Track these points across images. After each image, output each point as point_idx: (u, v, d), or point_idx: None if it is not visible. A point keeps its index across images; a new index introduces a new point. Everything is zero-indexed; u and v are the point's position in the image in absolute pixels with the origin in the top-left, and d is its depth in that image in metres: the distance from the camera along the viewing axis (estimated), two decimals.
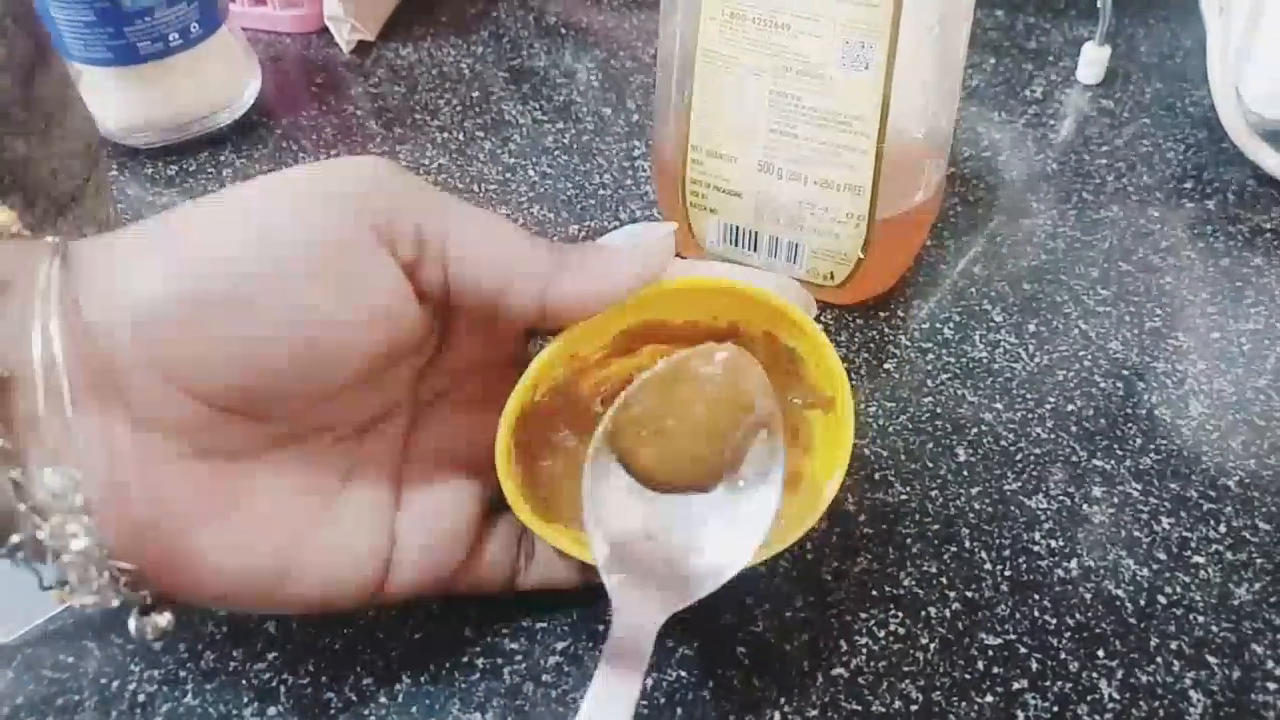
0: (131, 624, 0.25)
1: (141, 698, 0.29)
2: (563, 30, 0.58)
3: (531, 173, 0.48)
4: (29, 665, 0.30)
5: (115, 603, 0.23)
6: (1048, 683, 0.29)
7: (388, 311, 0.25)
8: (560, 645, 0.30)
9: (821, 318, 0.40)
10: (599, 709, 0.24)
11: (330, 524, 0.27)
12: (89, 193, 0.36)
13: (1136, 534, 0.33)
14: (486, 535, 0.29)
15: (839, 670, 0.29)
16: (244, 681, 0.29)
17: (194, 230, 0.24)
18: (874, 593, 0.31)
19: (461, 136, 0.50)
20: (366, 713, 0.29)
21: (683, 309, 0.29)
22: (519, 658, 0.30)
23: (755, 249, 0.40)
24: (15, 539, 0.22)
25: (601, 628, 0.30)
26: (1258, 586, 0.32)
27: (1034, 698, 0.29)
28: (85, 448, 0.22)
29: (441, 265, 0.25)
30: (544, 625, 0.31)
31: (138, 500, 0.23)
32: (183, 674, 0.30)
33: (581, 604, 0.31)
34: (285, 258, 0.24)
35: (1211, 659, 0.30)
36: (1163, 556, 0.32)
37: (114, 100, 0.48)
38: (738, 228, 0.39)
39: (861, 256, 0.38)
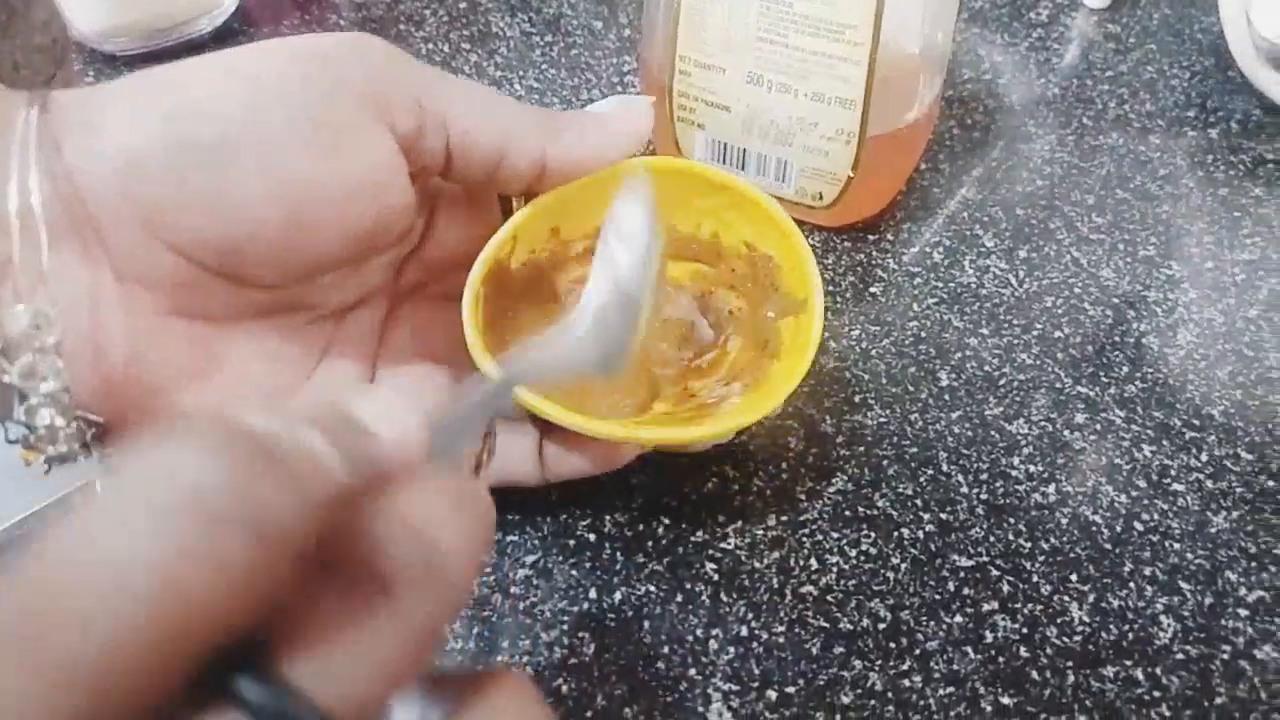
0: (97, 486, 0.24)
1: None
2: None
3: (518, 87, 0.47)
4: None
5: (81, 458, 0.23)
6: (1018, 605, 0.29)
7: (376, 187, 0.25)
8: (530, 559, 0.30)
9: (809, 240, 0.39)
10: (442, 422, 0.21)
11: (304, 395, 0.27)
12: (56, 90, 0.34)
13: (1117, 461, 0.33)
14: None
15: (808, 588, 0.29)
16: None
17: (181, 84, 0.23)
18: (847, 513, 0.31)
19: (447, 48, 0.49)
20: None
21: (668, 205, 0.29)
22: (488, 570, 0.30)
23: (743, 167, 0.39)
24: None
25: (572, 543, 0.30)
26: (1235, 515, 0.31)
27: (1003, 619, 0.29)
28: (62, 291, 0.22)
29: (444, 133, 0.25)
30: (514, 539, 0.30)
31: (116, 351, 0.23)
32: None
33: (553, 520, 0.31)
34: (276, 118, 0.23)
35: (1184, 585, 0.30)
36: (1142, 484, 0.32)
37: (89, 2, 0.46)
38: (725, 144, 0.38)
39: (851, 175, 0.37)
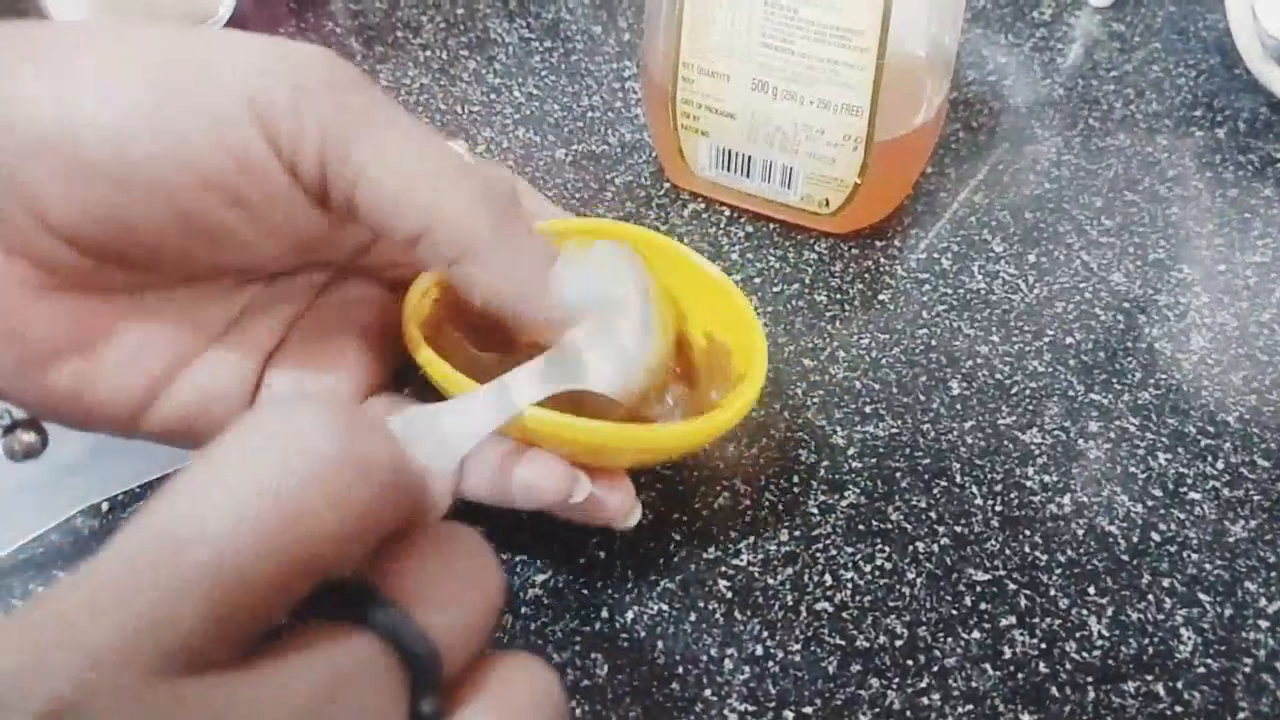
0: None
1: None
2: None
3: (517, 94, 0.46)
4: None
5: None
6: (1036, 619, 0.29)
7: (284, 224, 0.23)
8: (540, 579, 0.29)
9: (815, 247, 0.39)
10: (447, 426, 0.23)
11: (204, 364, 0.26)
12: None
13: (1132, 469, 0.32)
14: None
15: (823, 605, 0.29)
16: None
17: (88, 72, 0.22)
18: (860, 527, 0.31)
19: (445, 55, 0.48)
20: None
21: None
22: None
23: (749, 174, 0.38)
24: None
25: (583, 561, 0.30)
26: (1253, 524, 0.31)
27: (1021, 634, 0.28)
28: None
29: (347, 195, 0.23)
30: (523, 559, 0.30)
31: None
32: None
33: (562, 539, 0.30)
34: (175, 148, 0.22)
35: (1204, 596, 0.29)
36: (1158, 493, 0.32)
37: (82, 7, 0.46)
38: (730, 151, 0.38)
39: (858, 182, 0.36)
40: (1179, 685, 0.27)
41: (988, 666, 0.28)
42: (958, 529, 0.31)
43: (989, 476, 0.32)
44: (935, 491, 0.32)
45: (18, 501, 0.31)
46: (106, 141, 0.21)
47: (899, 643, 0.28)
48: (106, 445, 0.31)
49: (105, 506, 0.31)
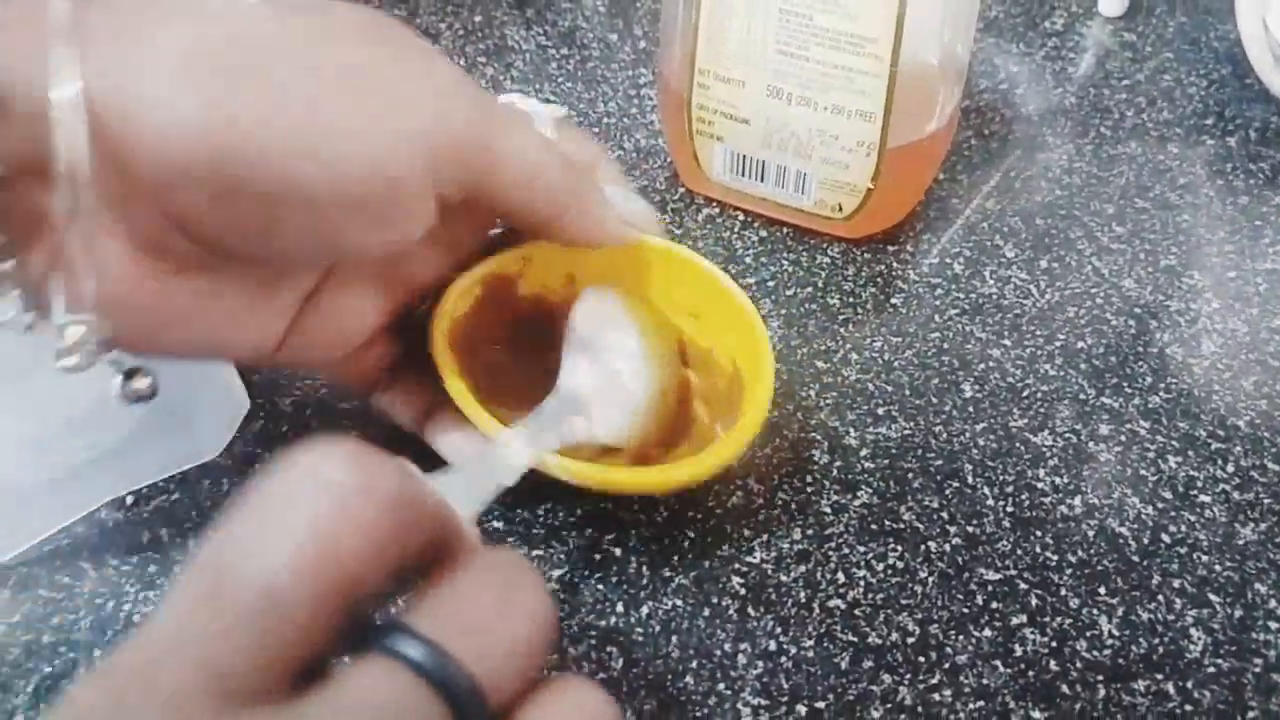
0: (115, 385, 0.25)
1: (137, 618, 0.29)
2: None
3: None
4: (24, 585, 0.30)
5: (97, 361, 0.24)
6: (1047, 618, 0.29)
7: (407, 234, 0.25)
8: (556, 574, 0.30)
9: (828, 251, 0.40)
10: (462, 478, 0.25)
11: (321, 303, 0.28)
12: None
13: (1143, 472, 0.32)
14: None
15: (836, 602, 0.29)
16: None
17: (249, 88, 0.22)
18: (873, 526, 0.31)
19: (463, 62, 0.49)
20: None
21: (653, 289, 0.32)
22: None
23: (762, 179, 0.39)
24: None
25: (599, 557, 0.30)
26: (1264, 526, 0.31)
27: (1032, 632, 0.29)
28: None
29: (489, 196, 0.26)
30: (539, 553, 0.30)
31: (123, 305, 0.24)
32: None
33: (578, 534, 0.31)
34: (334, 174, 0.23)
35: (1214, 597, 0.29)
36: (1168, 495, 0.32)
37: None
38: (745, 156, 0.38)
39: (871, 187, 0.37)
40: (1189, 685, 0.28)
41: (999, 664, 0.28)
42: (969, 529, 0.31)
43: (1001, 478, 0.32)
44: (947, 492, 0.32)
45: (44, 494, 0.31)
46: (262, 163, 0.22)
47: (911, 640, 0.28)
48: (130, 439, 0.31)
49: (129, 499, 0.32)
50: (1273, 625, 0.29)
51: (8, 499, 0.31)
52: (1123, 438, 0.33)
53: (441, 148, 0.24)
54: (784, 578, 0.30)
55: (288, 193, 0.23)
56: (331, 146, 0.23)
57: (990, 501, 0.32)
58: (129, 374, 0.25)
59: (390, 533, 0.17)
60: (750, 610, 0.29)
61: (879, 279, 0.39)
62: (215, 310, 0.26)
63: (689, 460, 0.29)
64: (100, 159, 0.21)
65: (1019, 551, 0.30)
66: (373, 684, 0.16)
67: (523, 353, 0.32)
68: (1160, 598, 0.29)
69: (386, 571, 0.17)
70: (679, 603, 0.29)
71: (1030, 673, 0.28)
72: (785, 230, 0.40)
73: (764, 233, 0.40)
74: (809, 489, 0.32)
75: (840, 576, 0.30)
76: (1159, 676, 0.28)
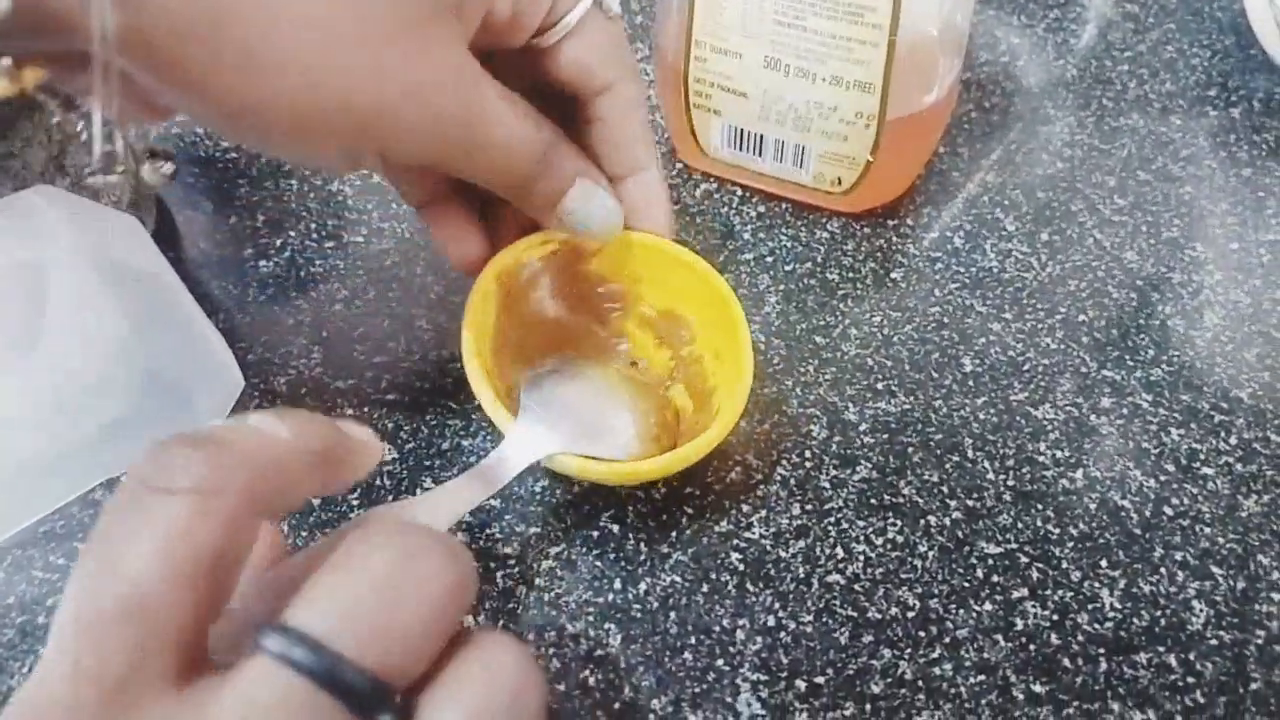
0: (145, 169, 0.29)
1: None
2: None
3: None
4: (19, 566, 0.30)
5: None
6: (1048, 591, 0.29)
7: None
8: (554, 550, 0.30)
9: (827, 226, 0.39)
10: (444, 498, 0.26)
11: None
12: None
13: (1145, 445, 0.32)
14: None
15: (835, 577, 0.29)
16: None
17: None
18: (873, 501, 0.31)
19: None
20: None
21: (646, 279, 0.33)
22: (512, 562, 0.29)
23: (761, 153, 0.38)
24: None
25: (596, 534, 0.30)
26: (1266, 499, 0.31)
27: (1034, 606, 0.28)
28: None
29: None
30: (536, 530, 0.30)
31: None
32: None
33: (575, 511, 0.31)
34: (265, 132, 0.24)
35: (1216, 570, 0.29)
36: (1171, 468, 0.32)
37: None
38: (743, 130, 0.38)
39: (871, 160, 0.36)
40: (1191, 657, 0.27)
41: (999, 638, 0.28)
42: (970, 503, 0.31)
43: (1001, 451, 0.32)
44: (947, 466, 0.32)
45: (38, 475, 0.31)
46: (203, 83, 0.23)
47: (911, 614, 0.28)
48: (125, 419, 0.31)
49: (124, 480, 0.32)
50: (1275, 597, 0.29)
51: (2, 481, 0.31)
52: (1124, 410, 0.33)
53: (390, 140, 0.25)
54: (783, 553, 0.30)
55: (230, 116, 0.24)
56: (300, 127, 0.24)
57: (991, 475, 0.31)
58: (153, 154, 0.29)
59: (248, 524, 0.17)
60: (749, 586, 0.29)
61: (879, 253, 0.38)
62: None
63: (674, 451, 0.28)
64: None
65: (1020, 525, 0.30)
66: (255, 687, 0.16)
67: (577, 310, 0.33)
68: (1162, 570, 0.29)
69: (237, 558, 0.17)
70: (677, 579, 0.29)
71: (1031, 646, 0.28)
72: (784, 205, 0.40)
73: (762, 208, 0.40)
74: (808, 464, 0.32)
75: (839, 551, 0.30)
76: (1161, 649, 0.28)
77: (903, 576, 0.29)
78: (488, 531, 0.30)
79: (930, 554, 0.29)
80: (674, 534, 0.30)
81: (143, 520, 0.17)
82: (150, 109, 0.25)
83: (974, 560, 0.29)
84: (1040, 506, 0.31)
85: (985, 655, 0.27)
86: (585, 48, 0.29)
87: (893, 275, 0.38)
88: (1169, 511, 0.31)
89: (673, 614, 0.28)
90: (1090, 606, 0.28)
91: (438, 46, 0.25)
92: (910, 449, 0.32)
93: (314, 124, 0.24)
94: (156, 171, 0.31)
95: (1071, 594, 0.29)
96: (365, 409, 0.33)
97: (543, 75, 0.30)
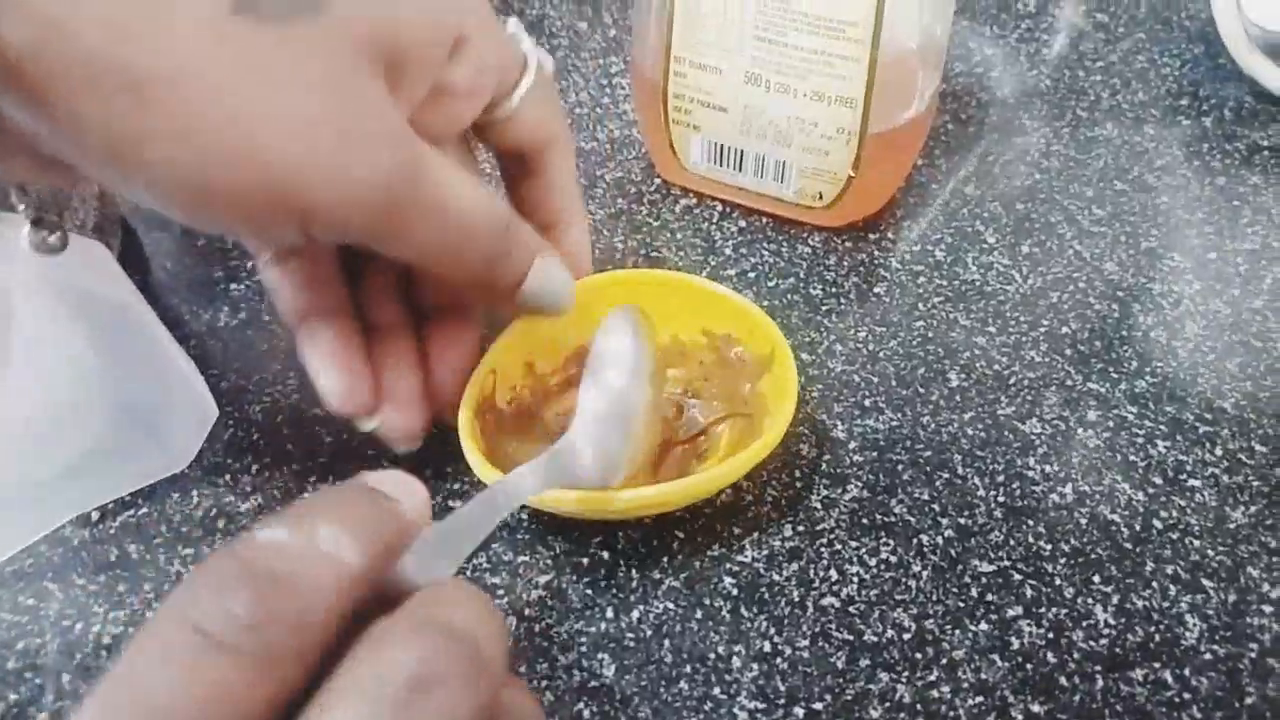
0: (25, 236, 0.25)
1: (107, 639, 0.28)
2: None
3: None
4: None
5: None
6: (1042, 609, 0.29)
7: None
8: (543, 580, 0.29)
9: (808, 241, 0.39)
10: (453, 526, 0.24)
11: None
12: None
13: (1132, 458, 0.32)
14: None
15: (830, 600, 0.29)
16: None
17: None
18: (864, 521, 0.30)
19: None
20: None
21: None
22: (501, 591, 0.29)
23: (741, 168, 0.38)
24: None
25: (585, 561, 0.29)
26: (1253, 510, 0.31)
27: (1029, 624, 0.28)
28: None
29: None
30: (525, 559, 0.30)
31: None
32: (149, 615, 0.28)
33: (564, 538, 0.30)
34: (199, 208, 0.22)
35: (1207, 583, 0.29)
36: (1158, 480, 0.32)
37: None
38: (723, 146, 0.38)
39: (852, 174, 0.36)
40: (1186, 672, 0.27)
41: (996, 658, 0.27)
42: (961, 520, 0.31)
43: (990, 467, 0.32)
44: (937, 483, 0.31)
45: (5, 512, 0.30)
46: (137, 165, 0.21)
47: (907, 636, 0.28)
48: (96, 452, 0.30)
49: (95, 515, 0.31)
50: (1266, 609, 0.29)
51: None
52: (1110, 423, 0.33)
53: (314, 209, 0.22)
54: (776, 576, 0.29)
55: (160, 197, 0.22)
56: (198, 180, 0.21)
57: (981, 492, 0.31)
58: (36, 222, 0.24)
59: (258, 680, 0.16)
60: (743, 611, 0.28)
61: (861, 268, 0.38)
62: None
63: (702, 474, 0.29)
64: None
65: (1012, 542, 0.30)
66: None
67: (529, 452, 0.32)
68: (1154, 585, 0.29)
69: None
70: (670, 605, 0.29)
71: (1028, 665, 0.27)
72: (764, 220, 0.40)
73: (743, 223, 0.40)
74: (798, 484, 0.31)
75: (833, 573, 0.29)
76: (1156, 665, 0.28)
77: (897, 597, 0.29)
78: (474, 560, 0.29)
79: (924, 573, 0.29)
80: (665, 559, 0.30)
81: (189, 676, 0.15)
82: (38, 162, 0.22)
83: (968, 579, 0.29)
84: (1031, 522, 0.31)
85: (983, 676, 0.27)
86: (534, 108, 0.29)
87: (876, 290, 0.37)
88: (1158, 525, 0.31)
89: (667, 642, 0.28)
90: (1085, 623, 0.28)
91: (373, 99, 0.23)
92: (900, 466, 0.32)
93: (219, 173, 0.21)
94: (43, 242, 0.26)
95: (1065, 611, 0.29)
96: (344, 436, 0.32)
97: (493, 142, 0.30)
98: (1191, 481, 0.32)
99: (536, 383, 0.33)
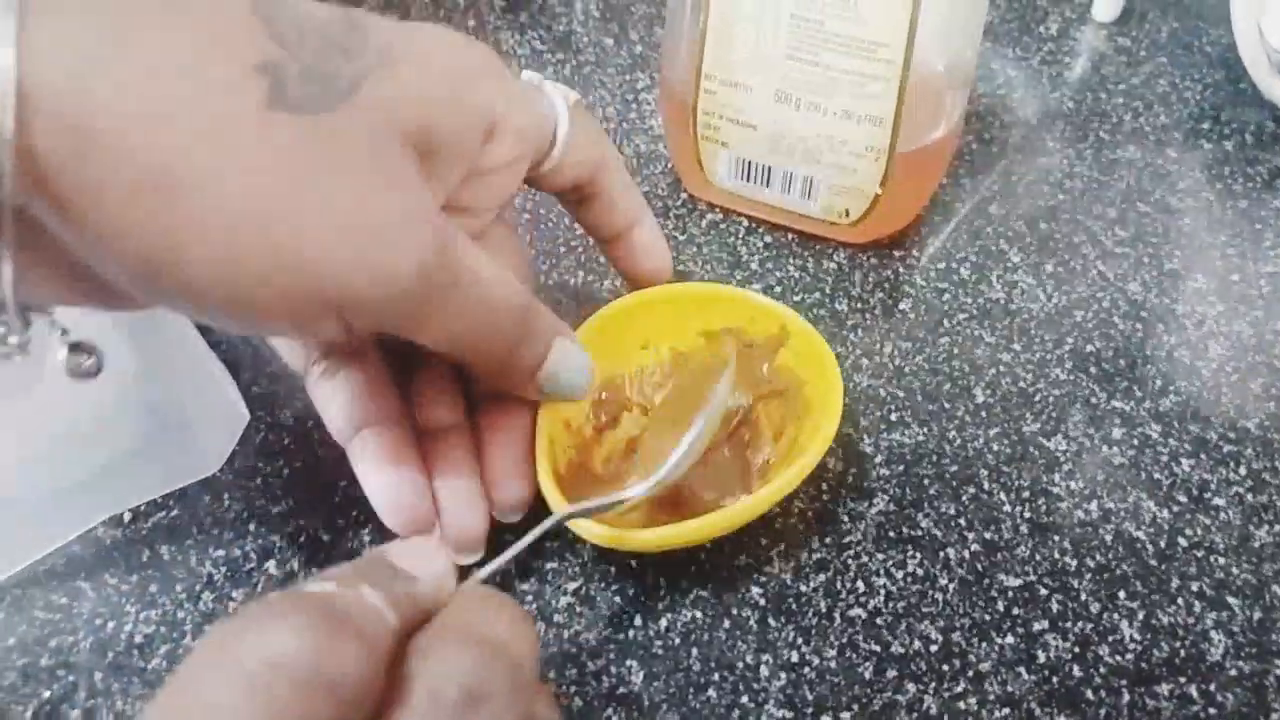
0: (61, 357, 0.23)
1: (139, 639, 0.28)
2: None
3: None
4: (20, 606, 0.29)
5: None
6: (1068, 624, 0.29)
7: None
8: (571, 586, 0.29)
9: (834, 257, 0.39)
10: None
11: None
12: None
13: (1157, 476, 0.32)
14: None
15: (857, 611, 0.29)
16: None
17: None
18: (891, 534, 0.31)
19: None
20: None
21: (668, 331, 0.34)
22: (530, 598, 0.29)
23: (768, 184, 0.38)
24: None
25: (613, 569, 0.30)
26: (1278, 529, 0.31)
27: (1055, 638, 0.28)
28: None
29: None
30: (554, 566, 0.30)
31: None
32: (180, 615, 0.29)
33: (593, 545, 0.30)
34: (236, 312, 0.22)
35: (1232, 600, 0.29)
36: (1183, 499, 0.32)
37: None
38: (750, 162, 0.38)
39: (879, 192, 0.36)
40: (1211, 688, 0.27)
41: (1022, 670, 0.28)
42: (987, 535, 0.31)
43: (1016, 483, 0.32)
44: (964, 498, 0.32)
45: (40, 512, 0.30)
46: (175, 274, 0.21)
47: (934, 648, 0.28)
48: (129, 455, 0.31)
49: (127, 516, 0.31)
50: None
51: (3, 517, 0.30)
52: (1135, 441, 0.33)
53: (352, 300, 0.22)
54: (804, 587, 0.29)
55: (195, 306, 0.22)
56: (235, 280, 0.21)
57: (1007, 507, 0.31)
58: (74, 347, 0.23)
59: (338, 714, 0.17)
60: (771, 620, 0.29)
61: (886, 284, 0.39)
62: None
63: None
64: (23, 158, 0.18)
65: (1038, 557, 0.30)
66: None
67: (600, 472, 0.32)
68: (1180, 601, 0.29)
69: None
70: (698, 614, 0.29)
71: (1054, 679, 0.28)
72: (790, 236, 0.40)
73: (769, 238, 0.40)
74: (825, 497, 0.32)
75: (860, 585, 0.29)
76: (1182, 680, 0.28)
77: (924, 610, 0.29)
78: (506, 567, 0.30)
79: (950, 586, 0.29)
80: (693, 568, 0.30)
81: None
82: (72, 281, 0.22)
83: (994, 593, 0.29)
84: (1057, 538, 0.31)
85: (1009, 688, 0.27)
86: (576, 147, 0.29)
87: (901, 306, 0.38)
88: (1183, 542, 0.31)
89: (695, 650, 0.28)
90: (1111, 638, 0.28)
91: (408, 185, 0.23)
92: (926, 480, 0.32)
93: (257, 271, 0.21)
94: (78, 367, 0.24)
95: (1091, 625, 0.29)
96: None
97: (545, 188, 0.30)
98: (1216, 500, 0.32)
99: (575, 438, 0.32)
